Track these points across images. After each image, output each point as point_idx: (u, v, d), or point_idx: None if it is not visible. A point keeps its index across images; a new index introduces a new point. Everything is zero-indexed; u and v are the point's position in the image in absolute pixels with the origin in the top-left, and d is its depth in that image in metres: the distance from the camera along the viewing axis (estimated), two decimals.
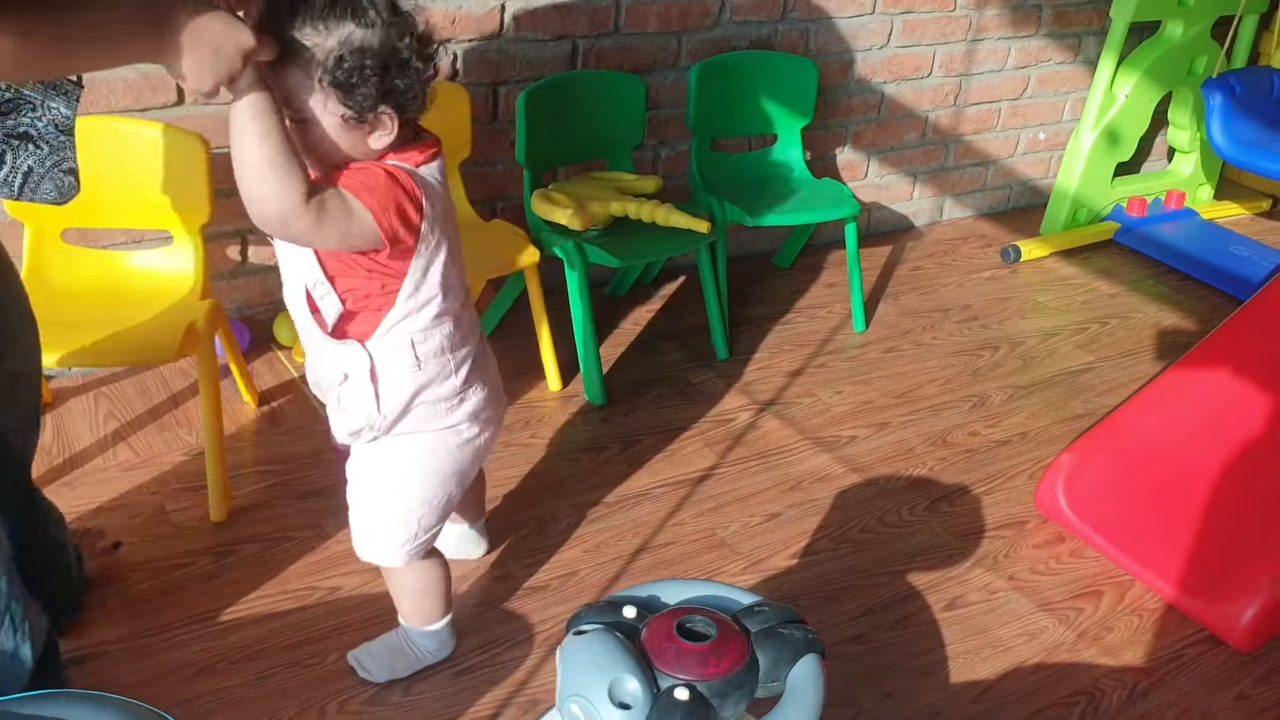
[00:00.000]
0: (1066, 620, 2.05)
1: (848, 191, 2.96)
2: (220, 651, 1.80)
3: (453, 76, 2.65)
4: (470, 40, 2.63)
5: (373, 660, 1.76)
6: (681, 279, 3.14)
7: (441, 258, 1.44)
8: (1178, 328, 3.16)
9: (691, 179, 2.96)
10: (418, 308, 1.45)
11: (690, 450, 2.43)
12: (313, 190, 1.30)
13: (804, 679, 1.24)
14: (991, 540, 2.24)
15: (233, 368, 2.40)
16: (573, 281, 2.52)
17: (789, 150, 3.09)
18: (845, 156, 3.38)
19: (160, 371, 2.51)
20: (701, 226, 2.60)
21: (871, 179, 3.48)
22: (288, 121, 1.32)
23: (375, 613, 1.88)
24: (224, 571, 1.96)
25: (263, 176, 1.27)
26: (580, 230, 2.52)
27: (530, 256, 2.50)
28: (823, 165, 3.33)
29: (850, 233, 2.95)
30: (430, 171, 1.42)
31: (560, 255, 2.54)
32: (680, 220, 2.60)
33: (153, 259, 2.26)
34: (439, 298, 1.46)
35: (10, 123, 1.34)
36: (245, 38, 1.23)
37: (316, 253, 1.42)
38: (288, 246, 1.43)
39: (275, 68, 1.29)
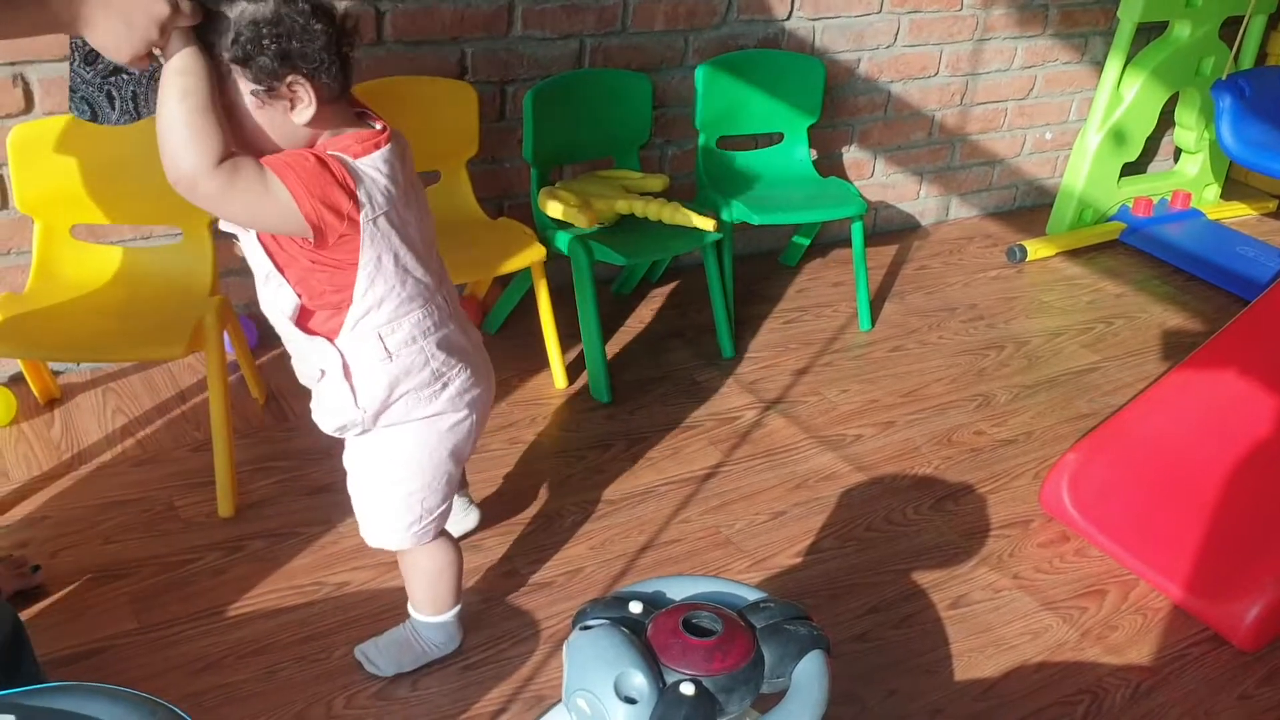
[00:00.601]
0: (1070, 619, 2.05)
1: (854, 190, 2.96)
2: (228, 646, 1.81)
3: (461, 75, 2.66)
4: (479, 38, 2.64)
5: (380, 654, 1.77)
6: (687, 277, 3.15)
7: (393, 248, 1.44)
8: (1183, 328, 3.16)
9: (698, 177, 2.96)
10: (377, 302, 1.46)
11: (695, 448, 2.44)
12: (228, 156, 1.30)
13: (809, 675, 1.25)
14: (996, 539, 2.25)
15: (241, 364, 2.41)
16: (579, 279, 2.52)
17: (795, 149, 3.09)
18: (851, 155, 3.39)
19: (168, 368, 2.52)
20: (708, 225, 2.61)
21: (878, 178, 3.48)
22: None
23: (383, 608, 1.89)
24: (232, 567, 1.97)
25: (177, 133, 1.28)
26: (587, 228, 2.53)
27: (537, 254, 2.50)
28: (829, 164, 3.33)
29: (856, 232, 2.95)
30: (373, 162, 1.39)
31: (567, 253, 2.54)
32: (686, 218, 2.61)
33: (162, 255, 2.27)
34: (398, 288, 1.46)
35: (100, 65, 1.39)
36: (158, 6, 1.22)
37: (262, 241, 1.43)
38: (245, 238, 1.45)
39: None
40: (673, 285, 3.12)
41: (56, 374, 2.45)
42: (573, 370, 2.64)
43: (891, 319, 3.08)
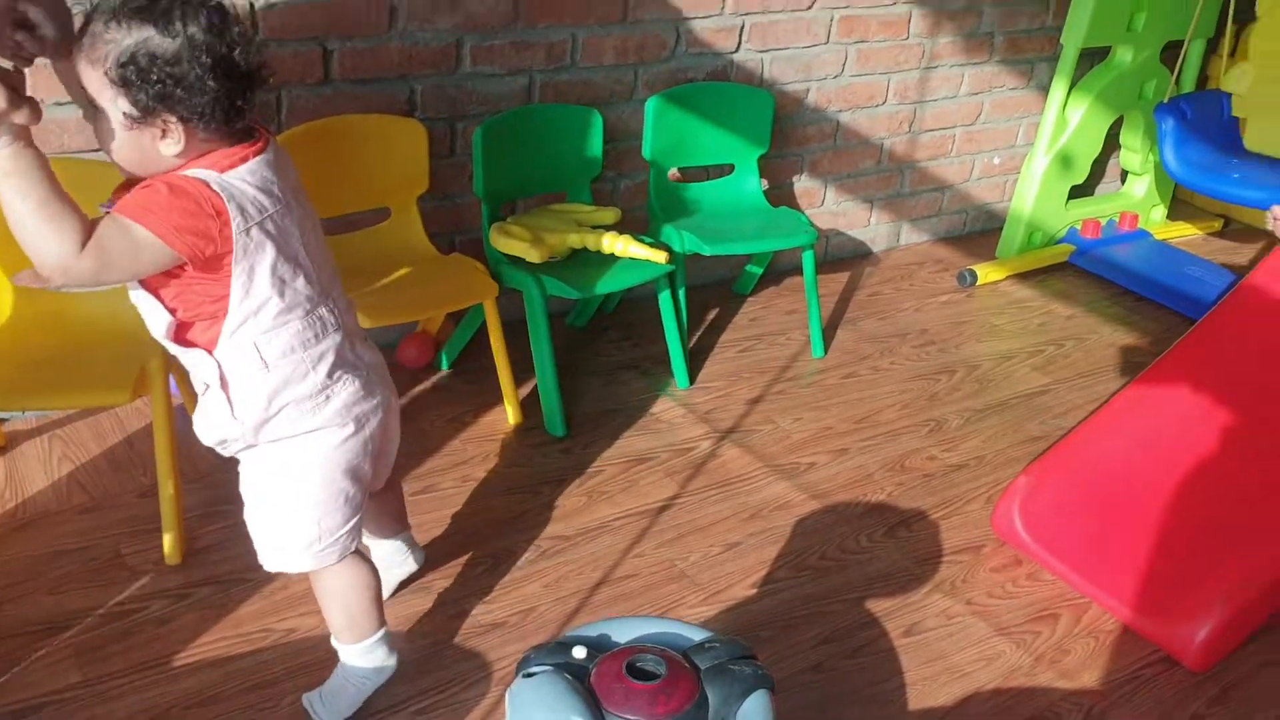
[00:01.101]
0: (1023, 644, 2.06)
1: (804, 220, 2.99)
2: (175, 697, 1.78)
3: (410, 112, 2.66)
4: (427, 75, 2.64)
5: (323, 704, 1.75)
6: (642, 308, 3.15)
7: (268, 258, 1.44)
8: (1133, 348, 3.20)
9: (650, 209, 2.98)
10: (254, 311, 1.46)
11: (651, 481, 2.43)
12: (89, 234, 1.31)
13: (753, 715, 1.25)
14: (949, 565, 2.26)
15: (188, 407, 2.39)
16: (532, 314, 2.53)
17: (746, 179, 3.11)
18: (802, 184, 3.42)
19: (115, 413, 2.49)
20: (659, 257, 2.62)
21: (829, 206, 3.51)
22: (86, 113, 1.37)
23: (331, 654, 1.86)
24: (179, 615, 1.95)
25: (30, 233, 1.30)
26: (538, 262, 2.53)
27: (489, 290, 2.50)
28: (780, 193, 3.36)
29: (807, 260, 2.97)
30: (240, 174, 1.40)
31: (519, 288, 2.54)
32: (639, 251, 2.62)
33: (105, 299, 2.24)
34: (275, 298, 1.46)
35: None
36: None
37: None
38: None
39: (79, 55, 1.32)
40: (628, 316, 3.12)
41: (1, 421, 2.41)
42: (528, 405, 2.64)
43: (844, 345, 3.10)
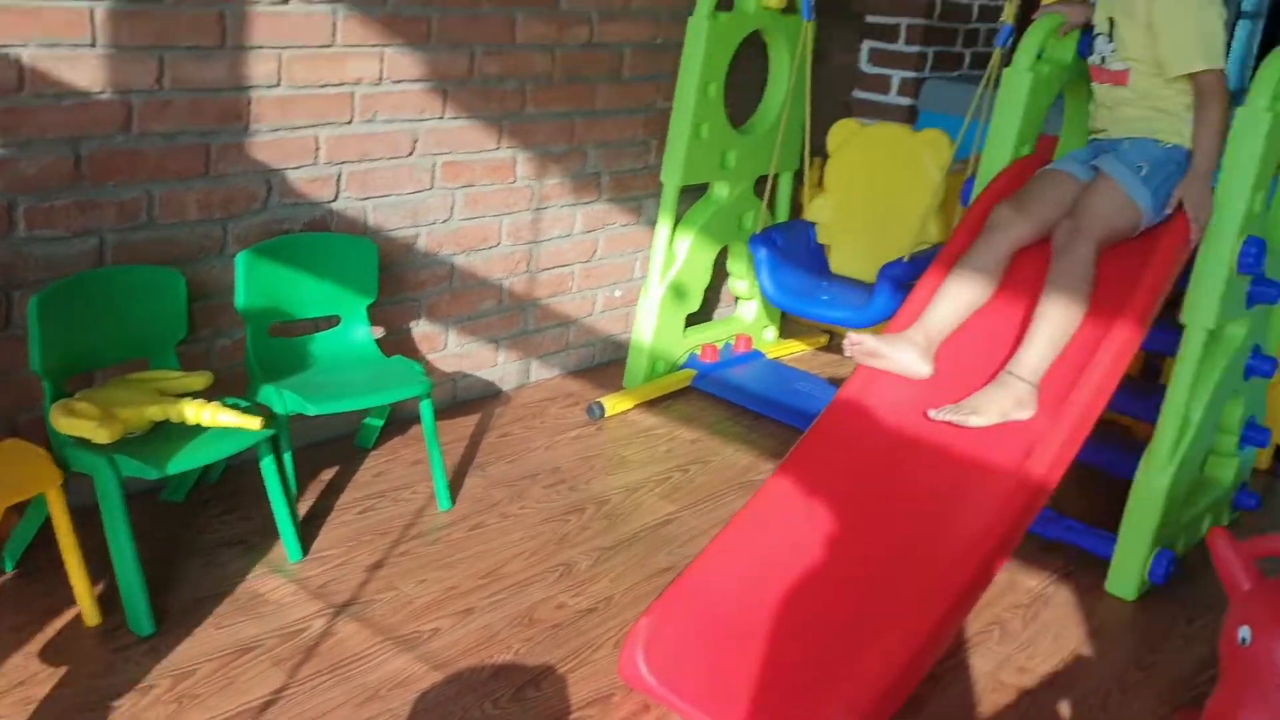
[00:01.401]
0: None
1: (418, 368, 2.90)
2: None
3: None
4: None
5: None
6: (250, 475, 2.90)
7: None
8: (753, 467, 3.32)
9: (249, 368, 2.79)
10: None
11: (253, 674, 2.20)
12: None
13: None
14: None
15: None
16: (105, 499, 2.26)
17: (354, 329, 2.99)
18: (421, 329, 3.34)
19: None
20: (252, 424, 2.43)
21: (452, 349, 3.45)
22: None
23: None
24: None
25: None
26: (108, 442, 2.28)
27: (51, 478, 2.22)
28: (397, 341, 3.26)
29: (425, 410, 2.87)
30: None
31: (88, 472, 2.27)
32: (228, 419, 2.42)
33: None
34: None
35: None
36: None
37: None
38: None
39: None
40: (233, 485, 2.87)
41: None
42: (110, 601, 2.34)
43: (473, 494, 3.01)
